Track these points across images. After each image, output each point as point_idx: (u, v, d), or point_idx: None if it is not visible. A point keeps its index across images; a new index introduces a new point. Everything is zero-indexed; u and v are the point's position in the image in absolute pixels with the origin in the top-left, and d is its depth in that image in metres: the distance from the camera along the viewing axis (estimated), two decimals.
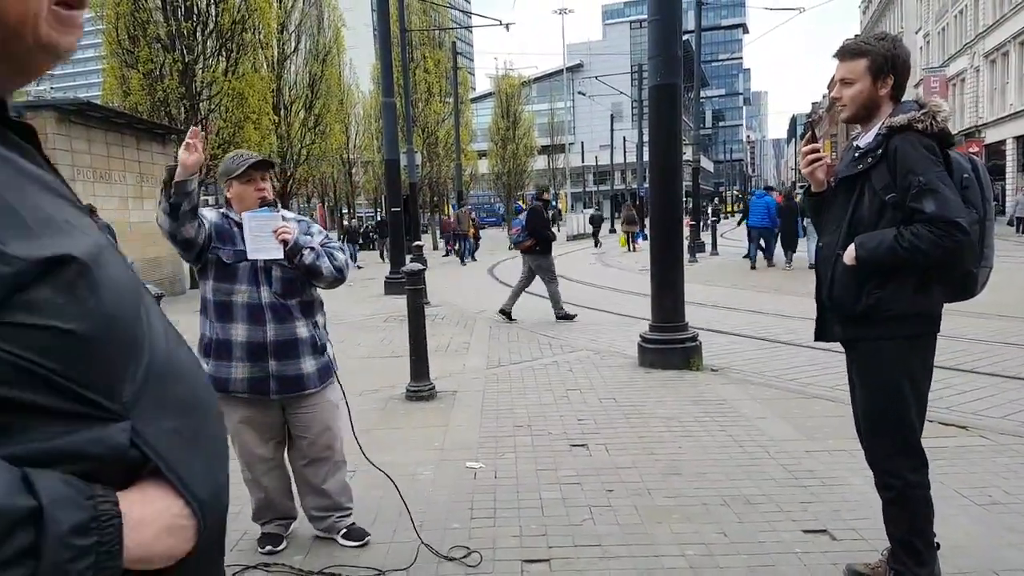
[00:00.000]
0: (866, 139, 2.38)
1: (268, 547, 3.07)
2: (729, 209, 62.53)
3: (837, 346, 2.57)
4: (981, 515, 3.12)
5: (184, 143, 2.65)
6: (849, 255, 2.31)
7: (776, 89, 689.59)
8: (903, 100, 2.37)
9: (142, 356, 0.76)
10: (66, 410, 0.69)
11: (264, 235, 2.84)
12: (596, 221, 31.59)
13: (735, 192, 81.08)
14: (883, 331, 2.31)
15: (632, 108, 60.21)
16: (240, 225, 2.91)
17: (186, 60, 15.59)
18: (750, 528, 3.14)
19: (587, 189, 65.91)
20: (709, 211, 35.13)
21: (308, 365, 2.99)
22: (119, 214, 13.71)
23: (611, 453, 4.20)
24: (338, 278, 3.04)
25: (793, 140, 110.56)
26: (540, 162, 50.84)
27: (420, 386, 5.64)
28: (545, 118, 54.91)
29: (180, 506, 0.75)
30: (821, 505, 3.35)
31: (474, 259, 22.82)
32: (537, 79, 62.61)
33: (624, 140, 50.30)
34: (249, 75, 16.70)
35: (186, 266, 16.31)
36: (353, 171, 38.95)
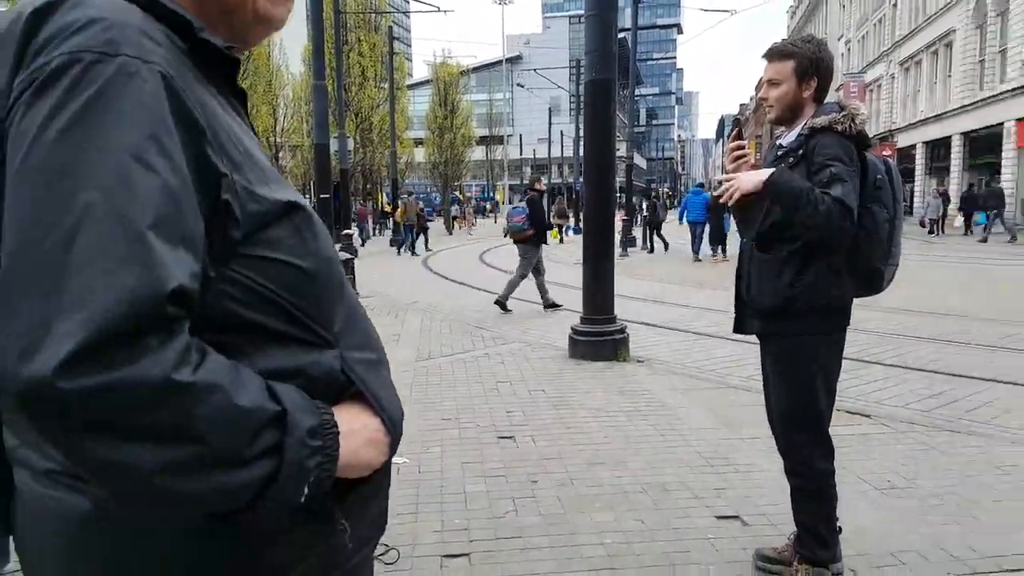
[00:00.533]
0: (788, 139, 2.46)
1: None
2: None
3: (754, 338, 2.66)
4: (881, 500, 3.30)
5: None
6: (755, 179, 2.33)
7: (707, 90, 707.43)
8: (825, 102, 2.46)
9: (344, 295, 0.90)
10: (295, 335, 0.82)
11: None
12: None
13: (665, 190, 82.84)
14: (799, 326, 2.40)
15: (570, 102, 60.68)
16: None
17: None
18: (666, 515, 3.23)
19: (524, 182, 66.24)
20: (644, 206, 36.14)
21: None
22: None
23: (538, 444, 4.24)
24: None
25: (721, 140, 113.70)
26: (478, 153, 50.72)
27: None
28: (484, 108, 54.76)
29: (378, 423, 0.88)
30: (734, 491, 3.47)
31: (414, 252, 21.88)
32: (476, 69, 62.35)
33: (562, 134, 50.67)
34: None
35: None
36: (280, 155, 37.97)
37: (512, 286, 9.85)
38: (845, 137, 2.32)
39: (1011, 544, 2.86)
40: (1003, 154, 25.49)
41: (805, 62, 2.40)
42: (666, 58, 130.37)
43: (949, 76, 30.73)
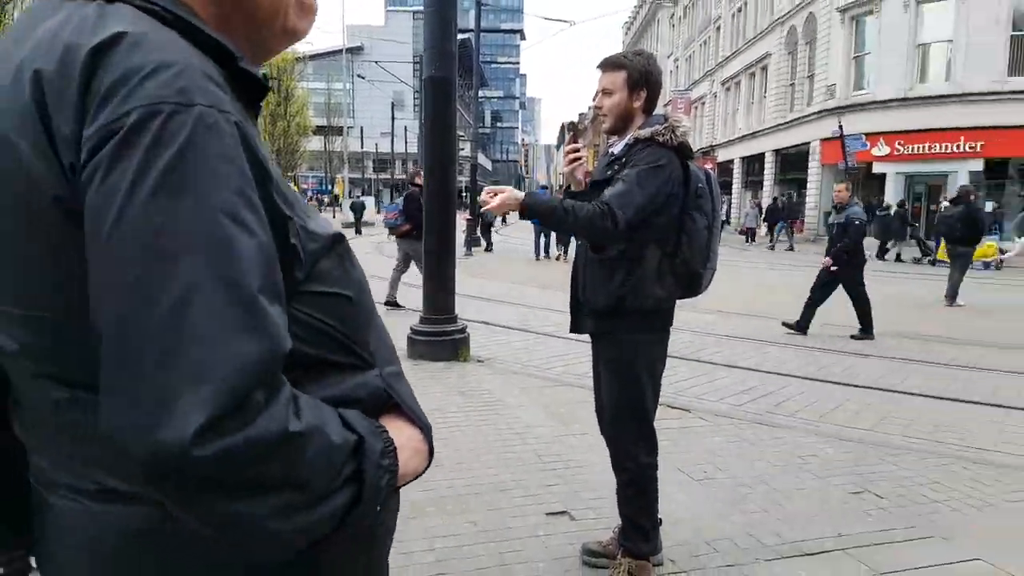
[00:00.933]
0: (618, 148, 2.55)
1: None
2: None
3: (586, 336, 2.74)
4: (697, 490, 3.53)
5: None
6: (514, 199, 2.39)
7: (549, 97, 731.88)
8: (653, 114, 2.57)
9: (375, 314, 0.95)
10: (345, 362, 0.87)
11: None
12: (358, 208, 31.36)
13: None
14: (628, 325, 2.49)
15: (414, 98, 60.24)
16: None
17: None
18: (500, 515, 3.24)
19: (366, 175, 64.78)
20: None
21: None
22: None
23: None
24: None
25: (560, 146, 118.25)
26: (315, 143, 48.96)
27: None
28: (322, 98, 52.95)
29: (419, 434, 0.94)
30: (564, 487, 3.56)
31: None
32: (314, 56, 60.10)
33: (406, 129, 50.20)
34: None
35: None
36: None
37: (394, 282, 9.84)
38: (666, 148, 2.43)
39: (812, 530, 3.14)
40: (809, 171, 28.44)
41: (635, 74, 2.50)
42: (510, 62, 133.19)
43: (764, 97, 33.86)
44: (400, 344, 6.81)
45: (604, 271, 2.49)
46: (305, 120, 39.34)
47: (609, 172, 2.48)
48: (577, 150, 2.58)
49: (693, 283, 2.60)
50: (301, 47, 43.17)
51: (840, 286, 8.39)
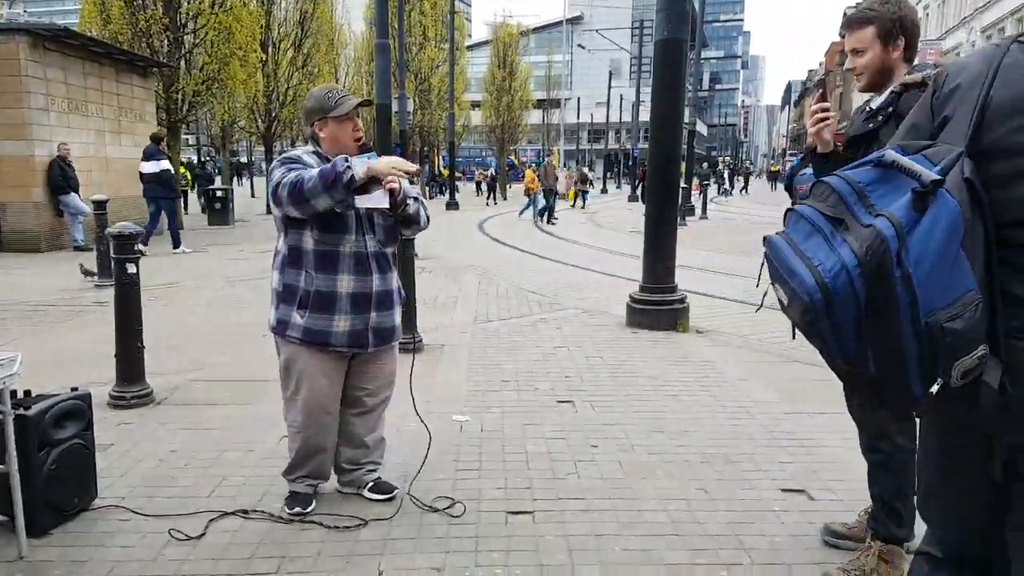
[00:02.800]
0: (878, 102, 2.35)
1: (298, 508, 2.91)
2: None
3: None
4: None
5: (395, 164, 2.63)
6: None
7: (774, 54, 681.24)
8: (916, 63, 2.33)
9: None
10: None
11: (372, 183, 2.69)
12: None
13: (726, 158, 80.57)
14: None
15: (631, 65, 59.22)
16: None
17: None
18: (730, 486, 3.19)
19: (581, 147, 65.27)
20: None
21: (398, 316, 2.98)
22: (95, 148, 13.24)
23: (596, 410, 4.24)
24: (426, 227, 3.02)
25: (787, 107, 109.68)
26: (535, 116, 50.09)
27: (407, 339, 5.61)
28: (542, 71, 53.92)
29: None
30: (799, 465, 3.41)
31: (551, 220, 20.13)
32: (536, 29, 61.30)
33: (621, 98, 49.63)
34: (237, 8, 15.92)
35: None
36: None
37: None
38: None
39: None
40: None
41: (887, 24, 2.27)
42: (732, 20, 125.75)
43: None
44: (618, 312, 6.89)
45: None
46: (527, 94, 40.24)
47: (872, 125, 2.29)
48: (826, 109, 2.41)
49: None
50: (525, 20, 44.23)
51: None
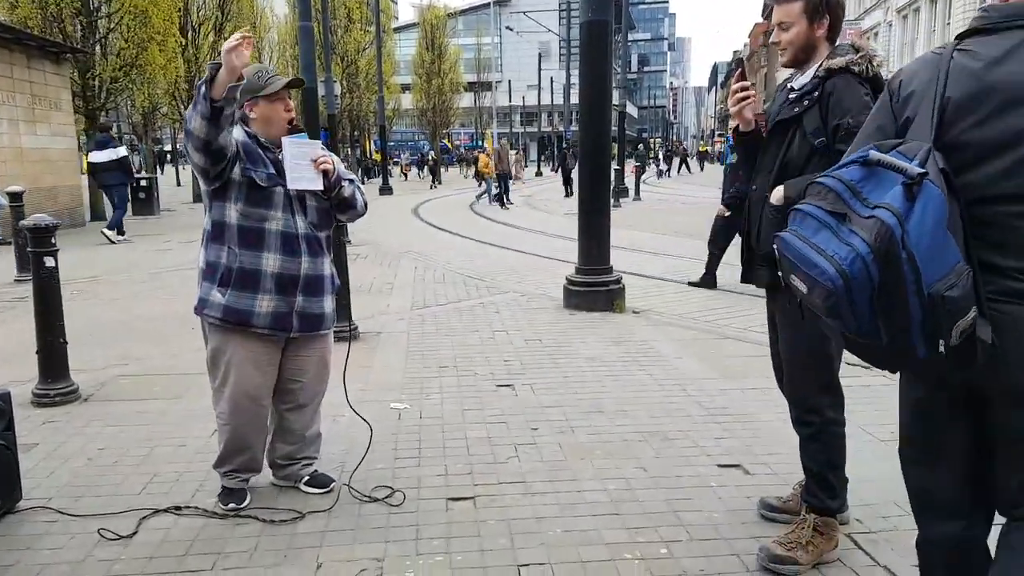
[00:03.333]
0: (801, 81, 2.38)
1: (232, 504, 2.81)
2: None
3: (748, 289, 2.63)
4: (883, 450, 3.31)
5: (231, 45, 2.36)
6: (776, 195, 2.33)
7: (699, 36, 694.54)
8: (838, 44, 2.37)
9: None
10: None
11: (304, 163, 2.61)
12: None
13: (657, 140, 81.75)
14: None
15: (560, 47, 59.31)
16: (266, 148, 2.71)
17: None
18: (668, 463, 3.24)
19: (514, 130, 65.20)
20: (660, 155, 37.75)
21: (328, 304, 2.86)
22: (10, 139, 12.53)
23: (536, 393, 4.24)
24: (363, 213, 2.92)
25: (714, 88, 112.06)
26: (466, 100, 49.73)
27: (341, 327, 5.48)
28: (472, 53, 53.53)
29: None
30: (734, 440, 3.49)
31: (504, 204, 20.05)
32: (463, 11, 60.72)
33: (552, 81, 49.74)
34: None
35: (86, 196, 15.27)
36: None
37: None
38: (861, 80, 2.24)
39: None
40: None
41: (815, 1, 2.31)
42: (658, 2, 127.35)
43: (948, 24, 30.20)
44: (556, 295, 6.92)
45: (783, 214, 2.35)
46: (457, 77, 39.96)
47: (797, 109, 2.32)
48: (746, 87, 2.43)
49: None
50: (452, 2, 43.67)
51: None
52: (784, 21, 2.35)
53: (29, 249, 4.00)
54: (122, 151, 12.61)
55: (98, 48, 15.05)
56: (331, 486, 3.00)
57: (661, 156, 43.76)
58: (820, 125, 2.26)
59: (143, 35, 15.10)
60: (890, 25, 38.28)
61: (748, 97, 2.41)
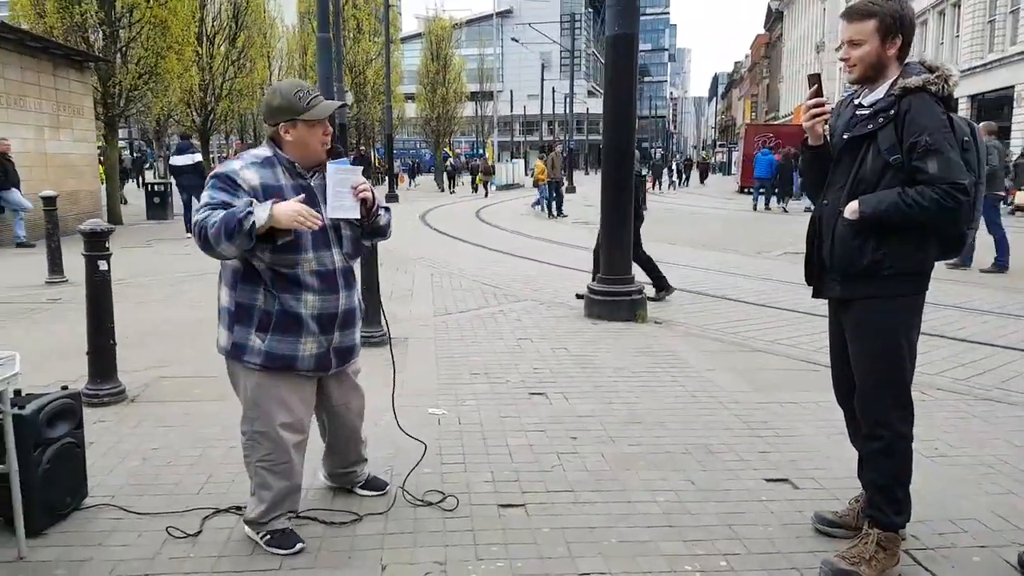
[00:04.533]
0: (871, 98, 2.41)
1: (299, 544, 2.57)
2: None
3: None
4: (930, 467, 3.31)
5: (301, 218, 2.27)
6: (851, 209, 2.36)
7: (699, 47, 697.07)
8: (907, 62, 2.41)
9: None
10: None
11: (344, 191, 2.45)
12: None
13: (658, 150, 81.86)
14: (884, 288, 2.38)
15: (561, 57, 59.50)
16: (298, 175, 2.51)
17: None
18: (715, 476, 3.25)
19: (515, 139, 65.39)
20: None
21: (359, 334, 2.77)
22: (35, 144, 12.72)
23: (570, 401, 4.26)
24: (388, 237, 2.83)
25: (715, 99, 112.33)
26: (469, 109, 49.87)
27: (371, 331, 5.52)
28: (475, 64, 53.72)
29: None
30: (779, 455, 3.49)
31: (559, 214, 19.17)
32: (468, 22, 60.95)
33: (553, 91, 49.94)
34: (172, 2, 15.48)
35: (104, 200, 15.36)
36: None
37: None
38: (937, 99, 2.28)
39: None
40: (1013, 118, 25.16)
41: (888, 20, 2.33)
42: (660, 13, 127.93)
43: (957, 37, 30.29)
44: (574, 303, 6.96)
45: (855, 229, 2.37)
46: (461, 87, 40.12)
47: (871, 126, 2.36)
48: (823, 103, 2.47)
49: (957, 244, 2.44)
50: (456, 13, 43.92)
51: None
52: (856, 39, 2.37)
53: (83, 253, 4.05)
54: (198, 156, 13.97)
55: (119, 56, 15.17)
56: (387, 489, 3.02)
57: (674, 167, 43.28)
58: (895, 142, 2.30)
59: (162, 44, 15.31)
60: (924, 23, 38.15)
61: (823, 113, 2.44)
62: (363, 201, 2.50)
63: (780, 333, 6.17)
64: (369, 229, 2.64)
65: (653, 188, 23.59)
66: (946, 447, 3.58)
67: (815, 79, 2.55)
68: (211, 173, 2.47)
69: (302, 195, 2.44)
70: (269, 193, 2.42)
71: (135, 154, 37.32)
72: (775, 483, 3.19)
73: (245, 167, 2.45)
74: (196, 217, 2.34)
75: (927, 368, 5.11)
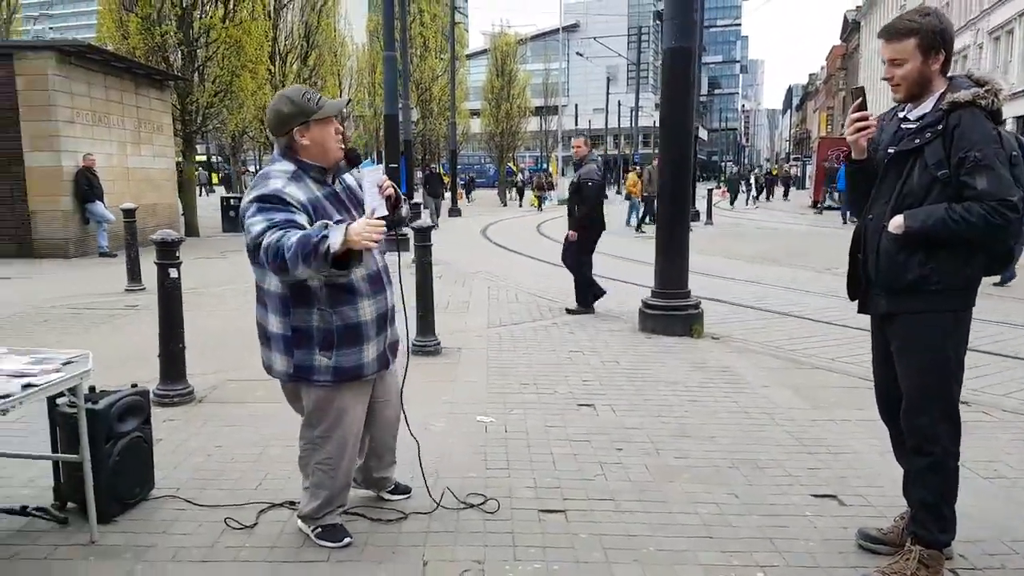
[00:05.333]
0: (918, 113, 2.39)
1: (347, 539, 2.71)
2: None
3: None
4: (986, 488, 3.22)
5: (369, 239, 2.24)
6: (896, 223, 2.34)
7: (773, 58, 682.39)
8: (952, 76, 2.38)
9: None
10: None
11: (375, 191, 2.49)
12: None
13: (729, 163, 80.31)
14: (931, 303, 2.36)
15: (628, 71, 59.30)
16: (322, 183, 2.56)
17: (184, 5, 15.18)
18: (760, 491, 3.22)
19: None
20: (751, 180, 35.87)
21: (400, 327, 2.84)
22: (118, 159, 13.53)
23: (618, 414, 4.27)
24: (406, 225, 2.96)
25: (788, 111, 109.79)
26: (533, 124, 50.23)
27: (426, 341, 5.67)
28: (540, 78, 54.12)
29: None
30: (828, 471, 3.43)
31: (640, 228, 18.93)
32: (533, 38, 61.53)
33: (619, 104, 49.79)
34: (247, 23, 16.23)
35: (182, 212, 16.18)
36: (345, 126, 38.34)
37: None
38: (986, 113, 2.25)
39: None
40: None
41: (929, 36, 2.31)
42: (731, 25, 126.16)
43: (1009, 61, 28.91)
44: (628, 317, 6.95)
45: (901, 244, 2.35)
46: (525, 102, 40.46)
47: (918, 141, 2.34)
48: (866, 118, 2.45)
49: (1005, 258, 2.38)
50: (522, 29, 44.31)
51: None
52: (897, 58, 2.36)
53: (155, 261, 4.30)
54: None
55: (196, 75, 15.96)
56: (411, 493, 3.12)
57: (752, 181, 40.50)
58: (943, 157, 2.28)
59: (237, 63, 16.01)
60: (980, 47, 36.87)
61: (867, 127, 2.43)
62: (388, 198, 2.53)
63: (842, 351, 6.01)
64: (394, 221, 2.66)
65: (723, 202, 22.97)
66: (1006, 468, 3.45)
67: (859, 92, 2.53)
68: (255, 196, 2.41)
69: (372, 211, 2.44)
70: (314, 207, 2.45)
71: (220, 171, 39.20)
72: (822, 499, 3.14)
73: (287, 184, 2.45)
74: (267, 240, 2.28)
75: (994, 388, 4.91)
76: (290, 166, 2.51)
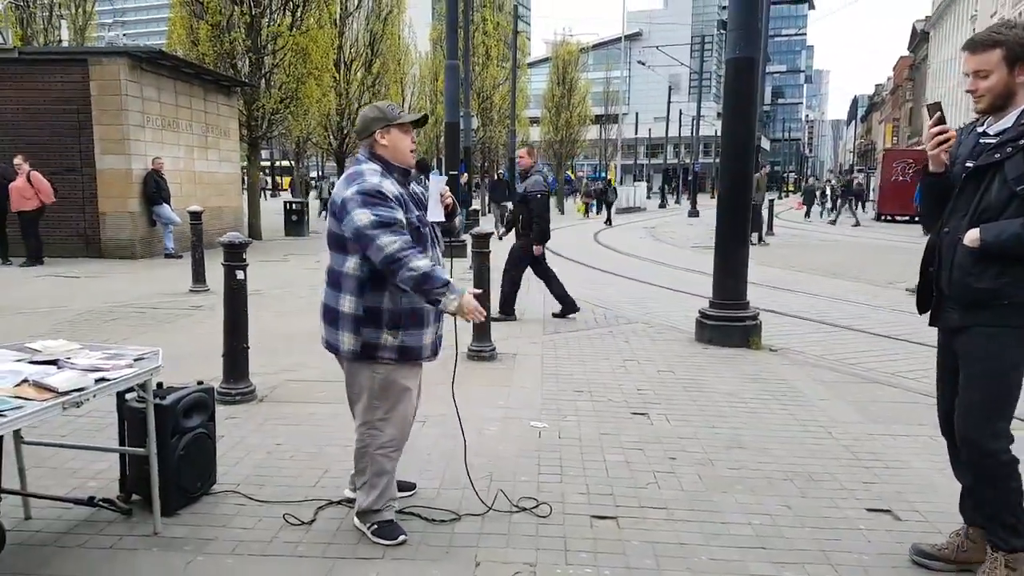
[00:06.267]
0: (998, 127, 2.38)
1: (401, 536, 2.81)
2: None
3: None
4: None
5: (473, 313, 2.60)
6: (971, 237, 2.33)
7: (838, 68, 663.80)
8: None
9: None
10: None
11: (436, 198, 2.82)
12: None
13: (791, 173, 78.39)
14: (1003, 318, 2.35)
15: (690, 80, 58.63)
16: (401, 184, 2.80)
17: (253, 13, 15.71)
18: (814, 504, 3.20)
19: (638, 161, 64.94)
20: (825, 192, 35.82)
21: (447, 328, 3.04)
22: (186, 163, 14.06)
23: (672, 423, 4.28)
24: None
25: (854, 122, 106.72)
26: (592, 132, 50.13)
27: (482, 347, 5.77)
28: (600, 87, 54.01)
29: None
30: (884, 486, 3.39)
31: (763, 242, 17.49)
32: (595, 46, 61.46)
33: (680, 113, 49.27)
34: (313, 31, 16.70)
35: (246, 215, 16.76)
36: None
37: None
38: None
39: None
40: None
41: (1015, 49, 2.29)
42: (796, 35, 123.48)
43: None
44: (684, 327, 6.91)
45: (975, 258, 2.35)
46: (585, 110, 40.45)
47: (998, 155, 2.32)
48: (946, 131, 2.44)
49: None
50: (584, 37, 44.28)
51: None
52: (982, 69, 2.34)
53: (222, 263, 4.47)
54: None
55: (263, 82, 16.47)
56: (415, 489, 3.26)
57: (828, 193, 37.27)
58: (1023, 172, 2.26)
59: (303, 70, 16.45)
60: None
61: (947, 140, 2.42)
62: (445, 206, 2.84)
63: (902, 365, 5.86)
64: (446, 227, 2.99)
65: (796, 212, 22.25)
66: None
67: (935, 107, 2.53)
68: (357, 190, 2.64)
69: (480, 291, 2.85)
70: (404, 199, 2.73)
71: (308, 181, 40.60)
72: (877, 513, 3.11)
73: (382, 180, 2.70)
74: (390, 245, 2.55)
75: None
76: (377, 166, 2.76)
